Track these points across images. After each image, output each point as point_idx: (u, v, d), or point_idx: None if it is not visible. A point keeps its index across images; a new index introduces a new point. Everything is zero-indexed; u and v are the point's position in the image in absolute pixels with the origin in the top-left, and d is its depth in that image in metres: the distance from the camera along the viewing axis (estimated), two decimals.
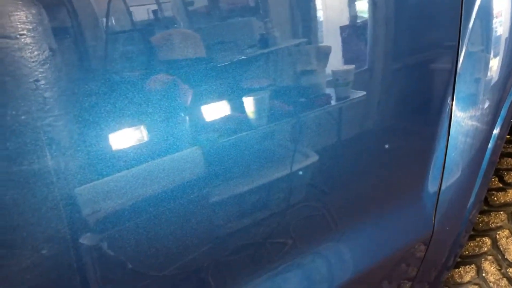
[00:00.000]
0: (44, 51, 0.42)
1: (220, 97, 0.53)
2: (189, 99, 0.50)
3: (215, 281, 0.61)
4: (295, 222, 0.67)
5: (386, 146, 0.73)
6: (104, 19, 0.45)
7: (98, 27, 0.45)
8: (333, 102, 0.63)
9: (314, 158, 0.64)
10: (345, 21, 0.62)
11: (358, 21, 0.63)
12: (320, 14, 0.60)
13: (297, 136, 0.62)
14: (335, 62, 0.62)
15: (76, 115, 0.44)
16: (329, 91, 0.63)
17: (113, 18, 0.45)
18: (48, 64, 0.42)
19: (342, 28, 0.62)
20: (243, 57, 0.53)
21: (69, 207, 0.46)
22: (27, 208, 0.44)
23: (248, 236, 0.62)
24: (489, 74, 0.76)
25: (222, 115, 0.54)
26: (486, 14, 0.72)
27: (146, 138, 0.49)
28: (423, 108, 0.74)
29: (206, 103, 0.52)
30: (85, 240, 0.48)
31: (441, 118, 0.75)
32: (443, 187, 0.79)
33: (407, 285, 0.92)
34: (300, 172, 0.64)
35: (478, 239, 0.97)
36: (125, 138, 0.48)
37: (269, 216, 0.64)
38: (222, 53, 0.52)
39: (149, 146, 0.49)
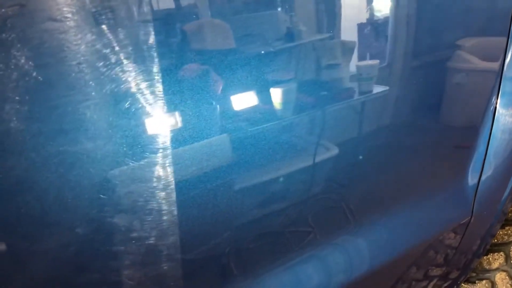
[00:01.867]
0: (86, 35, 0.42)
1: (248, 88, 0.54)
2: (220, 88, 0.52)
3: (237, 268, 0.64)
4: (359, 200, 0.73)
5: (434, 138, 0.77)
6: (144, 4, 0.46)
7: (139, 10, 0.46)
8: (381, 95, 0.68)
9: (364, 146, 0.69)
10: (392, 16, 0.65)
11: (403, 17, 0.66)
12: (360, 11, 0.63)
13: (348, 125, 0.66)
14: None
15: (116, 99, 0.45)
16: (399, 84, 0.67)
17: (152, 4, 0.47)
18: (90, 48, 0.43)
19: (388, 24, 0.65)
20: (271, 49, 0.55)
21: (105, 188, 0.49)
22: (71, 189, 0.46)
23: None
24: None
25: (249, 105, 0.55)
26: None
27: (179, 124, 0.50)
28: (470, 106, 0.78)
29: (235, 93, 0.53)
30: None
31: (486, 116, 0.79)
32: (482, 178, 0.84)
33: (435, 271, 0.98)
34: (347, 161, 0.69)
35: (507, 227, 1.03)
36: (159, 124, 0.50)
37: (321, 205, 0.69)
38: (252, 45, 0.53)
39: (179, 133, 0.51)
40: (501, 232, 1.03)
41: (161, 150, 0.50)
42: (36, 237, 0.47)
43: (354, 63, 0.63)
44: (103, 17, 0.44)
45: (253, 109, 0.56)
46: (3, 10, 0.39)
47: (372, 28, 0.64)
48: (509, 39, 0.75)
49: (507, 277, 1.03)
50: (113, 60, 0.45)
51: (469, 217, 0.86)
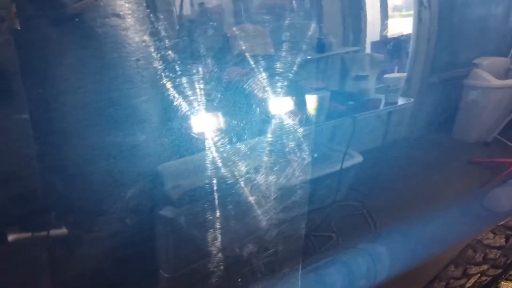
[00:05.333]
0: (143, 33, 0.43)
1: (283, 94, 0.55)
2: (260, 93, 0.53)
3: (265, 267, 0.66)
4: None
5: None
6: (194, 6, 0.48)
7: (192, 12, 0.48)
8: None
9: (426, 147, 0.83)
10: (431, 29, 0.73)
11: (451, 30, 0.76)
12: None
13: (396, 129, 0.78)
14: None
15: (171, 96, 0.46)
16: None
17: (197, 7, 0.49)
18: (147, 45, 0.44)
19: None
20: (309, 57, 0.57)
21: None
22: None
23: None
24: None
25: (282, 109, 0.56)
26: None
27: (217, 126, 0.51)
28: None
29: (271, 98, 0.54)
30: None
31: None
32: None
33: (474, 269, 1.08)
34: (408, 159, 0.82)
35: None
36: (200, 123, 0.50)
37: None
38: (290, 54, 0.55)
39: (215, 134, 0.51)
40: None
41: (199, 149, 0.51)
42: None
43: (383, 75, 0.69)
44: None
45: (287, 113, 0.56)
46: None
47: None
48: None
49: None
50: None
51: None
